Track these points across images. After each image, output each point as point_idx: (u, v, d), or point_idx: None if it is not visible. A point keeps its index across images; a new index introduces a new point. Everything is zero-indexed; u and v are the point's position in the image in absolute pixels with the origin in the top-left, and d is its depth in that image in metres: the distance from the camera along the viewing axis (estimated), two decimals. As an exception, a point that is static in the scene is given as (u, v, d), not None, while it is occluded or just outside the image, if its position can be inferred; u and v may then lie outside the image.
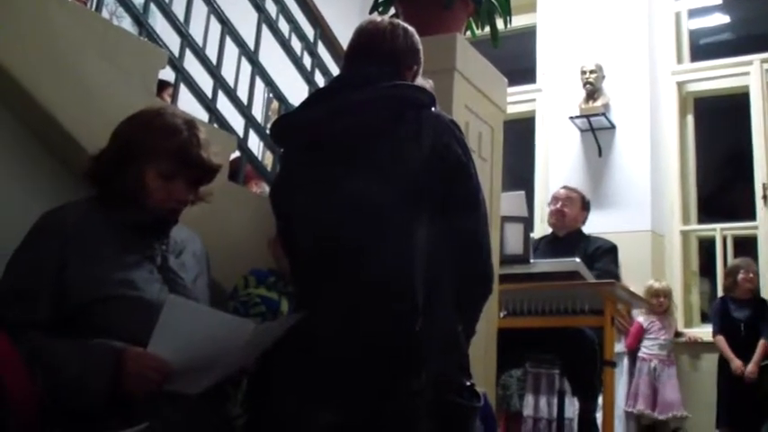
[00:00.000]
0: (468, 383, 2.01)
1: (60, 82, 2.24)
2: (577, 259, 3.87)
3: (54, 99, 2.21)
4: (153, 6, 2.79)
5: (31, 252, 1.89)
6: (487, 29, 4.01)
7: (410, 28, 2.25)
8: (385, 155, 2.03)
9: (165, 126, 1.99)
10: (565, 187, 4.82)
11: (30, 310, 1.81)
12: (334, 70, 3.58)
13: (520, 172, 6.86)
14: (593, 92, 6.51)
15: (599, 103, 6.49)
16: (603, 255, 4.37)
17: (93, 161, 2.02)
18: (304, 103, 2.23)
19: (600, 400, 3.99)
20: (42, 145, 2.31)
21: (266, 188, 3.73)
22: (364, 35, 2.22)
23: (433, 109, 2.11)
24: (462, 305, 2.07)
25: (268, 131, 3.25)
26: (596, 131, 6.52)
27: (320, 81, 3.51)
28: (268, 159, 3.55)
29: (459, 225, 2.04)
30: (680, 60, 6.80)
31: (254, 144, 3.31)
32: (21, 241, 1.91)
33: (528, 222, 4.20)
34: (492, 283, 2.17)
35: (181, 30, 2.85)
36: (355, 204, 2.01)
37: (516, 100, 6.66)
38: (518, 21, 5.91)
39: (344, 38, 3.61)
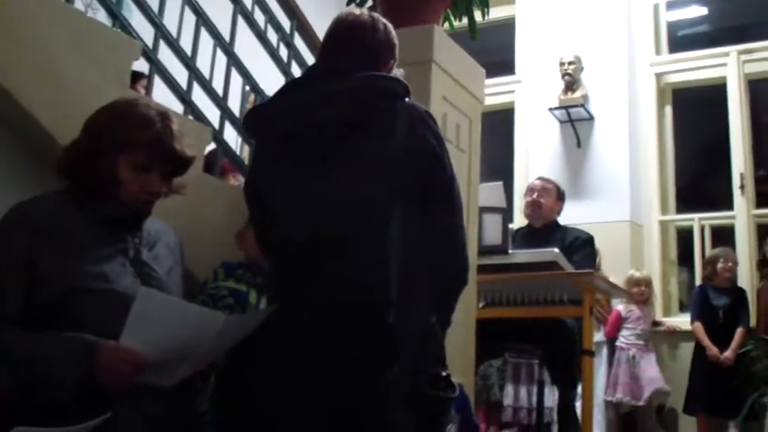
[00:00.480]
0: (444, 374, 2.01)
1: (32, 73, 2.22)
2: (556, 249, 3.89)
3: (26, 91, 2.20)
4: (126, -2, 2.77)
5: (0, 245, 1.87)
6: (465, 20, 4.02)
7: (389, 24, 2.25)
8: (360, 147, 2.02)
9: (138, 117, 1.96)
10: (540, 178, 4.83)
11: (0, 303, 1.79)
12: (311, 61, 3.56)
13: (499, 163, 6.87)
14: (571, 83, 6.53)
15: (578, 94, 6.51)
16: (582, 246, 4.38)
17: (64, 152, 2.00)
18: (278, 93, 2.21)
19: (579, 389, 4.01)
20: (13, 136, 2.29)
21: (242, 180, 3.72)
22: (344, 26, 2.21)
23: (407, 99, 2.11)
24: (437, 297, 2.06)
25: (244, 123, 3.25)
26: (575, 123, 6.54)
27: (297, 72, 3.50)
28: (246, 152, 3.53)
29: (433, 217, 2.04)
30: (658, 52, 6.83)
31: (232, 137, 3.28)
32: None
33: (506, 213, 4.20)
34: (467, 275, 2.16)
35: (155, 21, 2.83)
36: (331, 198, 2.00)
37: (495, 91, 6.69)
38: (496, 12, 5.92)
39: (321, 29, 3.62)
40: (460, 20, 4.08)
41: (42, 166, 2.31)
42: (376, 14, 2.25)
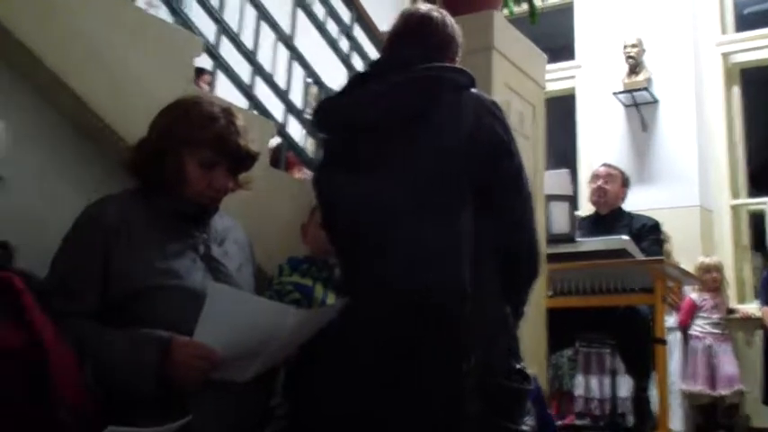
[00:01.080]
0: (518, 366, 1.98)
1: (98, 73, 2.23)
2: (625, 237, 3.84)
3: (92, 91, 2.20)
4: (185, -6, 2.77)
5: (75, 245, 1.89)
6: (524, 6, 3.96)
7: (455, 24, 2.25)
8: (426, 138, 2.01)
9: (202, 115, 1.97)
10: (605, 164, 4.81)
11: (77, 301, 1.81)
12: (372, 52, 3.54)
13: (562, 150, 6.78)
14: (634, 66, 6.43)
15: (641, 77, 6.40)
16: (649, 232, 4.33)
17: (132, 152, 2.02)
18: (345, 87, 2.23)
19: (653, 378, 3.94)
20: (83, 136, 2.31)
21: (309, 173, 3.71)
22: (412, 21, 2.22)
23: (472, 90, 2.08)
24: (510, 287, 2.04)
25: (308, 116, 3.24)
26: (640, 106, 6.43)
27: (358, 64, 3.48)
28: (310, 145, 3.52)
29: (503, 206, 2.02)
30: (724, 31, 6.65)
31: (296, 130, 3.27)
32: (66, 234, 1.91)
33: (573, 200, 4.15)
34: (539, 265, 2.15)
35: (216, 16, 2.83)
36: (398, 190, 1.99)
37: (555, 77, 6.60)
38: (555, -3, 5.85)
39: (378, 19, 3.59)
40: (520, 5, 4.03)
41: (111, 166, 2.33)
42: (444, 11, 2.26)
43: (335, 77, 3.31)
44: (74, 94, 2.17)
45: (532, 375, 2.07)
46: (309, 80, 3.35)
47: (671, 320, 5.37)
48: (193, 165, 1.96)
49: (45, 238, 1.89)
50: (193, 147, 1.95)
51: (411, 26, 2.22)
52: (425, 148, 2.00)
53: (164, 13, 3.25)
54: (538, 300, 3.13)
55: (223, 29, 2.84)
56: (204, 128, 1.95)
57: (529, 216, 2.08)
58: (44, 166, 2.18)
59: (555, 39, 7.07)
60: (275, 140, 3.23)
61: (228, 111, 2.01)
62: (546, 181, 3.55)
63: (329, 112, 2.20)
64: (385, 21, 3.66)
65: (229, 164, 2.00)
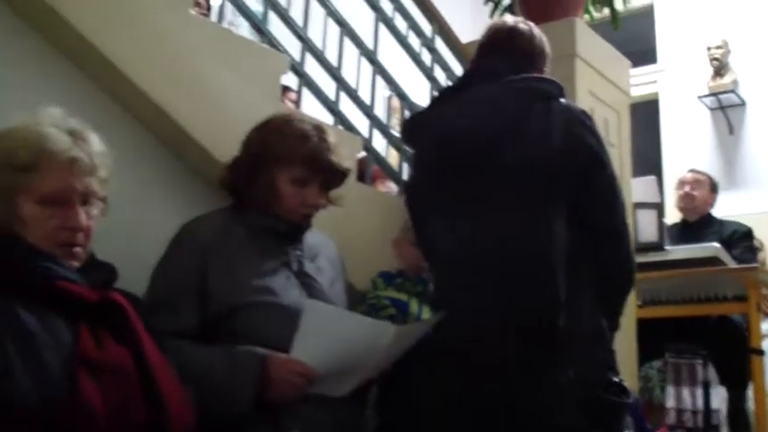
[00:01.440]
0: (616, 379, 1.95)
1: (187, 93, 2.28)
2: (716, 244, 3.75)
3: (183, 110, 2.25)
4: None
5: (172, 263, 1.93)
6: (605, 11, 3.91)
7: (543, 35, 2.26)
8: (516, 151, 2.00)
9: (294, 132, 1.99)
10: (692, 170, 4.72)
11: (175, 319, 1.84)
12: (454, 65, 3.54)
13: (645, 157, 6.64)
14: (720, 68, 6.27)
15: (727, 79, 6.24)
16: (741, 239, 4.22)
17: (226, 170, 2.05)
18: (433, 101, 2.24)
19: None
20: (175, 157, 2.37)
21: (392, 187, 3.73)
22: (500, 33, 2.24)
23: (562, 100, 2.06)
24: (605, 298, 2.02)
25: (392, 130, 3.26)
26: (726, 109, 6.26)
27: (440, 77, 3.48)
28: (392, 157, 3.53)
29: (596, 217, 2.01)
30: (814, 29, 6.44)
31: (378, 143, 3.29)
32: (162, 253, 1.95)
33: (660, 208, 4.07)
34: (633, 276, 2.13)
35: (300, 34, 2.86)
36: (489, 204, 1.99)
37: (637, 82, 6.47)
38: (634, 0, 5.74)
39: (458, 30, 3.59)
40: (601, 11, 3.98)
41: (204, 184, 2.38)
42: (530, 23, 2.27)
43: (419, 91, 3.32)
44: (164, 113, 2.23)
45: (630, 388, 2.04)
46: (390, 93, 3.36)
47: (765, 328, 5.20)
48: (286, 182, 1.98)
49: (139, 257, 1.92)
50: (286, 164, 1.97)
51: (499, 39, 2.23)
52: (516, 160, 1.99)
53: (245, 31, 3.32)
54: (628, 310, 3.07)
55: (308, 46, 2.87)
56: (297, 145, 1.97)
57: (623, 226, 2.06)
58: (138, 185, 2.24)
59: (636, 43, 6.93)
60: (360, 154, 3.25)
61: (320, 128, 2.04)
62: (633, 189, 3.50)
63: (418, 127, 2.21)
64: (465, 33, 3.67)
65: (321, 180, 2.02)
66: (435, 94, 3.04)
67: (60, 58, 2.13)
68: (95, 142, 1.58)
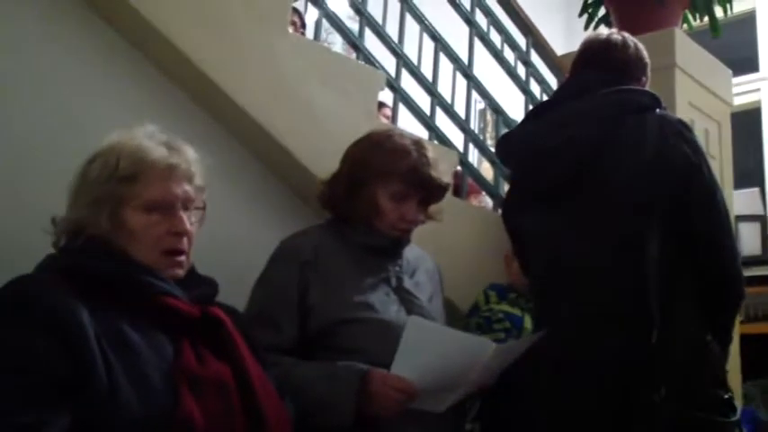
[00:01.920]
0: (726, 396, 1.90)
1: (287, 110, 2.32)
2: (826, 258, 3.60)
3: (282, 127, 2.29)
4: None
5: (273, 279, 1.95)
6: (706, 19, 3.82)
7: (640, 44, 2.22)
8: (610, 166, 1.98)
9: (394, 147, 1.99)
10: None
11: (275, 334, 1.86)
12: (549, 78, 3.52)
13: (747, 168, 6.43)
14: (825, 74, 6.04)
15: (833, 86, 6.00)
16: None
17: (326, 185, 2.07)
18: (526, 118, 2.23)
19: None
20: (273, 172, 2.41)
21: (486, 201, 3.72)
22: (592, 46, 2.22)
23: (657, 111, 2.03)
24: (711, 312, 1.96)
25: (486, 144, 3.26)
26: (833, 117, 6.03)
27: (536, 90, 3.46)
28: (485, 171, 3.52)
29: (694, 228, 1.95)
30: None
31: (472, 157, 3.30)
32: (263, 269, 1.98)
33: (764, 221, 3.95)
34: (742, 286, 2.03)
35: (396, 50, 2.89)
36: (583, 220, 1.98)
37: (739, 91, 6.28)
38: (734, 7, 5.58)
39: (552, 43, 3.56)
40: (701, 19, 3.89)
41: (303, 200, 2.42)
42: (625, 33, 2.24)
43: (514, 105, 3.31)
44: (262, 129, 2.28)
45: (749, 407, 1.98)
46: (482, 105, 3.36)
47: None
48: (385, 197, 1.98)
49: (233, 271, 1.92)
50: (386, 179, 1.98)
51: (592, 52, 2.21)
52: (609, 174, 1.97)
53: (338, 48, 3.37)
54: (731, 327, 3.00)
55: (403, 62, 2.90)
56: (397, 160, 1.97)
57: (725, 236, 2.00)
58: (234, 200, 2.30)
59: (738, 50, 6.75)
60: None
61: (420, 143, 2.03)
62: (735, 201, 3.41)
63: (512, 144, 2.20)
64: (559, 45, 3.65)
65: (421, 196, 2.01)
66: (530, 107, 3.03)
67: (160, 76, 2.21)
68: (190, 151, 1.60)
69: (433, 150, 2.04)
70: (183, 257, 1.55)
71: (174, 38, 2.09)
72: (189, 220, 1.56)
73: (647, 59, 2.22)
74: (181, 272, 1.55)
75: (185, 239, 1.55)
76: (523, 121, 2.24)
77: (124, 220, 1.50)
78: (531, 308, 2.36)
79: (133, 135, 1.56)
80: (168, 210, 1.53)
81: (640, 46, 2.22)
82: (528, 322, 2.34)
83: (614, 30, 2.31)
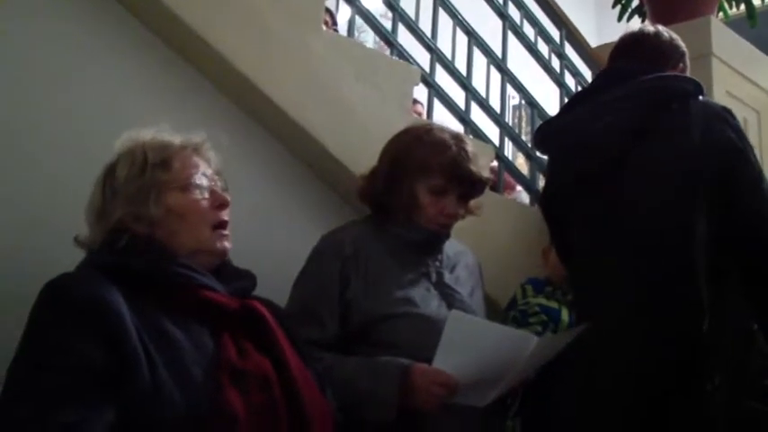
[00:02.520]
0: None
1: (322, 107, 2.33)
2: None
3: (318, 124, 2.30)
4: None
5: (314, 274, 1.95)
6: (742, 7, 3.78)
7: (675, 35, 2.22)
8: (654, 150, 1.96)
9: (434, 141, 1.98)
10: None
11: (318, 329, 1.87)
12: (584, 70, 3.50)
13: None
14: None
15: None
16: None
17: (365, 180, 2.07)
18: (565, 107, 2.22)
19: None
20: (310, 169, 2.42)
21: (520, 196, 3.71)
22: (628, 37, 2.22)
23: (700, 97, 2.01)
24: (757, 301, 1.92)
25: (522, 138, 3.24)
26: None
27: (570, 82, 3.44)
28: (520, 166, 3.51)
29: (742, 211, 1.91)
30: None
31: (508, 151, 3.29)
32: (304, 264, 1.99)
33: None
34: None
35: (430, 45, 2.89)
36: (629, 205, 1.96)
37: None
38: (772, -5, 5.52)
39: (585, 35, 3.54)
40: (738, 7, 3.85)
41: (339, 196, 2.43)
42: (660, 26, 2.25)
43: (550, 98, 3.30)
44: (302, 129, 2.29)
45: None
46: (516, 101, 3.35)
47: None
48: (425, 191, 1.97)
49: (272, 267, 1.92)
50: (425, 173, 1.97)
51: (626, 44, 2.21)
52: (654, 160, 1.96)
53: (370, 44, 3.37)
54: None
55: (437, 57, 2.89)
56: (437, 154, 1.96)
57: None
58: (270, 197, 2.31)
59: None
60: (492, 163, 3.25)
61: (459, 137, 2.02)
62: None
63: (551, 134, 2.19)
64: (592, 37, 3.62)
65: (461, 190, 2.00)
66: (566, 100, 3.01)
67: (199, 77, 2.23)
68: (202, 134, 1.64)
69: (472, 145, 2.04)
70: (228, 230, 1.58)
71: (211, 39, 2.11)
72: (223, 190, 1.60)
73: (684, 48, 2.21)
74: (229, 245, 1.56)
75: (226, 211, 1.58)
76: (563, 109, 2.23)
77: (170, 204, 1.51)
78: (568, 300, 2.35)
79: (143, 133, 1.59)
80: (203, 186, 1.56)
81: (675, 35, 2.22)
82: (565, 314, 2.33)
83: (647, 23, 2.30)
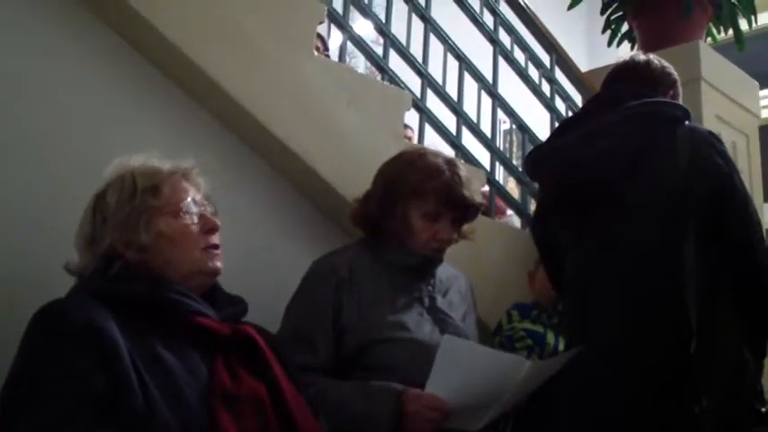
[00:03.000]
0: (764, 410, 1.89)
1: (315, 132, 2.34)
2: None
3: (310, 148, 2.30)
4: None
5: (307, 299, 1.95)
6: (730, 32, 3.81)
7: (667, 63, 2.25)
8: (642, 175, 1.98)
9: (427, 166, 1.99)
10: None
11: (311, 354, 1.86)
12: (574, 95, 3.52)
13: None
14: None
15: None
16: None
17: (358, 204, 2.08)
18: (555, 133, 2.24)
19: None
20: (301, 193, 2.42)
21: (511, 220, 3.72)
22: (620, 66, 2.25)
23: (687, 123, 2.04)
24: (747, 325, 1.94)
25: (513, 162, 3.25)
26: None
27: (561, 107, 3.46)
28: (511, 190, 3.52)
29: (731, 238, 1.94)
30: None
31: (499, 176, 3.30)
32: (297, 289, 1.99)
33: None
34: None
35: (420, 70, 2.90)
36: (617, 230, 1.98)
37: (765, 104, 6.25)
38: (759, 19, 5.56)
39: (575, 60, 3.56)
40: (726, 32, 3.88)
41: (331, 220, 2.43)
42: (653, 55, 2.27)
43: (540, 122, 3.31)
44: (294, 154, 2.28)
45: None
46: (507, 126, 3.37)
47: None
48: (418, 216, 1.98)
49: (262, 292, 1.93)
50: (419, 198, 1.98)
51: (618, 71, 2.24)
52: (643, 185, 1.98)
53: (360, 69, 3.39)
54: None
55: (428, 81, 2.91)
56: (430, 179, 1.97)
57: (760, 244, 1.97)
58: (260, 221, 2.31)
59: (763, 63, 6.71)
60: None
61: (452, 162, 2.04)
62: (765, 215, 3.37)
63: (541, 159, 2.20)
64: (582, 62, 3.64)
65: (454, 215, 2.01)
66: (556, 124, 3.03)
67: (190, 102, 2.23)
68: (191, 160, 1.65)
69: (465, 170, 2.05)
70: (219, 251, 1.59)
71: (201, 63, 2.11)
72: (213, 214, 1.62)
73: (676, 76, 2.24)
74: (221, 264, 1.58)
75: (216, 235, 1.59)
76: (554, 134, 2.25)
77: (160, 229, 1.53)
78: (554, 324, 2.36)
79: (133, 159, 1.61)
80: (193, 211, 1.57)
81: (667, 64, 2.24)
82: (551, 338, 2.34)
83: (639, 51, 2.33)
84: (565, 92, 3.49)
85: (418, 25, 2.98)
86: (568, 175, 2.09)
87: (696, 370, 1.81)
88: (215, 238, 1.59)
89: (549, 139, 2.26)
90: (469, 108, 3.06)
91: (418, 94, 2.86)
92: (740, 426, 1.86)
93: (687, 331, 1.81)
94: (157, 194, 1.55)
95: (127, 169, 1.58)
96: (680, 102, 2.21)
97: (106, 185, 1.57)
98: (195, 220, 1.57)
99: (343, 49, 2.74)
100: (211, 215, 1.61)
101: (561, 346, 2.29)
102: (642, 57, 2.25)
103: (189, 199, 1.58)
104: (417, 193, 1.98)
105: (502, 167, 3.43)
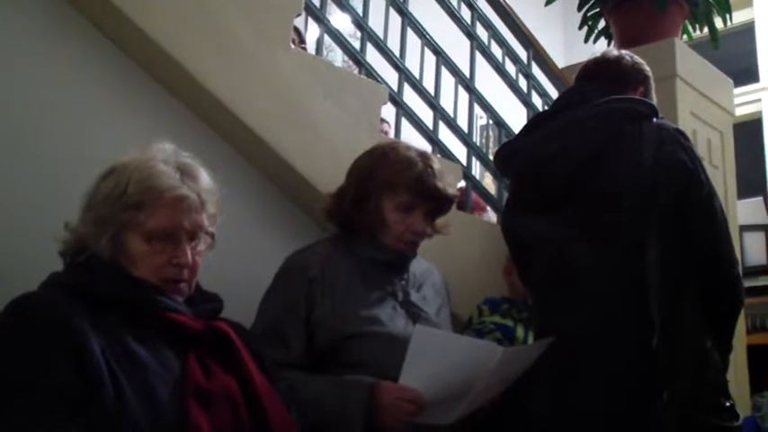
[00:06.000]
0: (728, 404, 1.90)
1: (290, 125, 2.32)
2: (832, 267, 3.60)
3: (285, 141, 2.29)
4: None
5: (280, 294, 1.95)
6: (705, 30, 3.83)
7: (639, 58, 2.26)
8: (607, 172, 2.01)
9: (400, 159, 1.99)
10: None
11: (284, 350, 1.86)
12: (551, 90, 3.53)
13: (749, 178, 6.43)
14: (825, 84, 6.04)
15: (833, 96, 6.00)
16: None
17: (332, 199, 2.07)
18: (523, 129, 2.25)
19: None
20: (276, 187, 2.41)
21: (490, 215, 3.72)
22: (591, 62, 2.27)
23: (654, 120, 2.06)
24: (712, 320, 1.97)
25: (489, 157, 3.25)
26: (833, 128, 6.03)
27: (537, 102, 3.47)
28: (488, 185, 3.52)
29: (694, 236, 1.96)
30: None
31: (476, 171, 3.30)
32: (270, 285, 1.98)
33: (768, 230, 3.95)
34: (741, 294, 2.05)
35: (398, 64, 2.90)
36: (583, 228, 2.00)
37: (739, 102, 6.29)
38: (735, 17, 5.60)
39: (552, 55, 3.57)
40: (701, 30, 3.90)
41: (306, 214, 2.42)
42: (625, 51, 2.29)
43: (517, 117, 3.31)
44: (269, 148, 2.27)
45: (750, 415, 1.98)
46: (483, 121, 3.37)
47: None
48: (391, 208, 1.98)
49: (238, 288, 1.92)
50: (392, 190, 1.98)
51: (588, 68, 2.26)
52: (608, 182, 2.00)
53: (338, 63, 3.37)
54: (737, 336, 2.98)
55: (405, 76, 2.90)
56: (403, 171, 1.97)
57: (724, 244, 2.01)
58: (235, 215, 2.29)
59: (738, 61, 6.76)
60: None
61: (425, 155, 2.04)
62: (738, 211, 3.41)
63: (510, 156, 2.22)
64: (559, 58, 3.65)
65: (427, 207, 2.01)
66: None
67: (167, 95, 2.22)
68: (204, 179, 1.60)
69: (439, 162, 2.05)
70: (183, 285, 1.55)
71: (179, 57, 2.09)
72: (195, 249, 1.56)
73: (648, 72, 2.25)
74: (179, 298, 1.54)
75: (186, 270, 1.54)
76: (522, 132, 2.25)
77: (126, 245, 1.51)
78: (524, 318, 2.37)
79: (150, 156, 1.57)
80: (171, 240, 1.53)
81: (639, 60, 2.26)
82: (520, 332, 2.34)
83: (612, 47, 2.34)
84: (542, 87, 3.50)
85: (396, 19, 2.98)
86: (533, 174, 2.11)
87: (658, 364, 1.83)
88: (182, 274, 1.53)
89: (517, 136, 2.27)
90: (446, 103, 3.06)
91: (395, 88, 2.85)
92: (702, 418, 1.87)
93: (649, 325, 1.84)
94: (139, 211, 1.50)
95: (131, 168, 1.54)
96: (654, 98, 2.22)
97: (111, 171, 1.55)
98: (166, 249, 1.52)
99: (320, 43, 2.73)
100: (193, 246, 1.56)
101: (531, 340, 2.29)
102: (614, 53, 2.26)
103: (169, 227, 1.52)
104: (390, 185, 1.98)
105: (478, 162, 3.43)
